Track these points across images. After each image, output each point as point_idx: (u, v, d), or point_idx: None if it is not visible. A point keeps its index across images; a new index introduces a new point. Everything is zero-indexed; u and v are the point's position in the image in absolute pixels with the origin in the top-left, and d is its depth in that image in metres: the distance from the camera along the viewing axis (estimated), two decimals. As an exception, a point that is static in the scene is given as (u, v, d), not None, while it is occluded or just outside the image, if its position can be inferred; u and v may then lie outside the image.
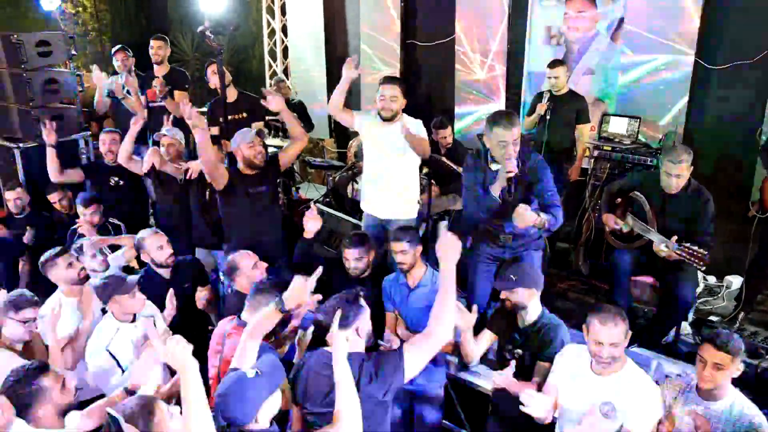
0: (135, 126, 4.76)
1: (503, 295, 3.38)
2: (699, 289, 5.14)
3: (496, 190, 3.66)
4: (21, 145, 5.41)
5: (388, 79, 4.35)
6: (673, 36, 5.73)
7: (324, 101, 8.51)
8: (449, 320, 2.65)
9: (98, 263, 4.01)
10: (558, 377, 3.07)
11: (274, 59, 9.21)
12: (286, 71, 9.19)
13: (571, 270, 5.60)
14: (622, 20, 6.07)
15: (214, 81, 5.53)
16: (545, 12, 6.55)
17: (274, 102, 4.13)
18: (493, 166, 3.76)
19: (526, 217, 3.44)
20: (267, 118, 6.61)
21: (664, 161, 3.98)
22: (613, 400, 2.69)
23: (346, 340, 2.57)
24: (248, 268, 3.72)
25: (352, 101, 8.01)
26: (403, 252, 3.78)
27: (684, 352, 4.25)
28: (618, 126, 5.53)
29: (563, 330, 3.35)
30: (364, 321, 2.72)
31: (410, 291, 3.87)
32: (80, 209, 4.57)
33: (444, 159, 4.98)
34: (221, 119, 5.24)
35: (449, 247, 2.69)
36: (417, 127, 4.29)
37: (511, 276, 3.31)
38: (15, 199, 4.98)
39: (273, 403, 2.35)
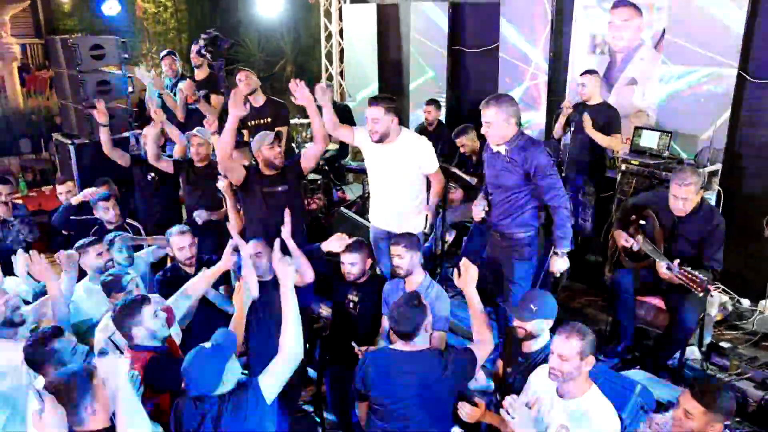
0: (153, 129, 5.10)
1: (517, 323, 3.25)
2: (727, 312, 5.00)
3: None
4: (76, 141, 5.86)
5: (371, 100, 4.23)
6: (716, 47, 5.53)
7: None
8: (489, 335, 3.28)
9: (124, 258, 4.34)
10: (526, 395, 3.10)
11: (331, 62, 9.46)
12: (341, 74, 9.43)
13: (593, 284, 5.53)
14: (665, 31, 5.90)
15: (241, 86, 5.78)
16: (589, 20, 6.44)
17: (299, 94, 4.13)
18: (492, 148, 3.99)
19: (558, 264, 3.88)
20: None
21: (671, 184, 3.91)
22: (569, 425, 2.72)
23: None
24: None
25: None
26: (399, 256, 3.84)
27: (690, 378, 4.16)
28: (650, 140, 5.40)
29: None
30: (428, 319, 3.14)
31: (408, 298, 3.99)
32: (99, 203, 4.89)
33: (453, 168, 5.00)
34: (247, 123, 5.60)
35: (465, 273, 3.25)
36: (417, 147, 4.29)
37: (532, 306, 3.17)
38: (66, 192, 5.39)
39: (233, 368, 2.69)
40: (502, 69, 7.20)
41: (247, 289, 3.44)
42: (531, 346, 3.31)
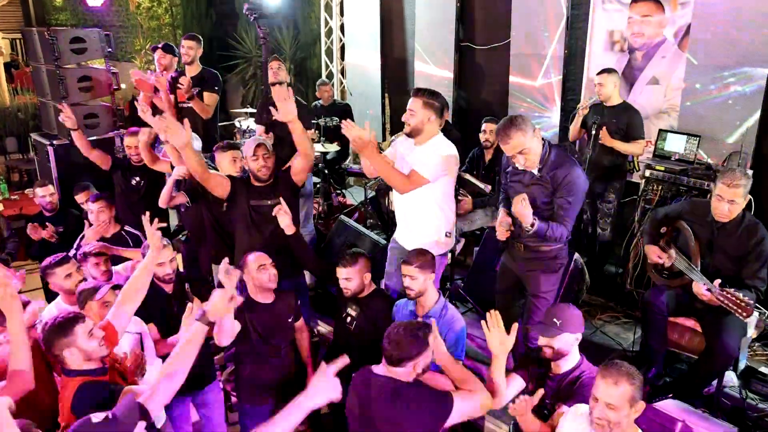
0: (143, 136, 4.74)
1: (542, 341, 2.97)
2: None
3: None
4: (54, 141, 5.45)
5: (414, 91, 3.76)
6: (745, 45, 5.15)
7: (378, 102, 8.33)
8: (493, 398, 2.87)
9: (101, 272, 3.94)
10: None
11: (331, 59, 9.06)
12: (342, 71, 9.04)
13: (612, 297, 5.15)
14: (689, 27, 5.53)
15: (273, 76, 5.37)
16: (607, 15, 6.06)
17: (282, 110, 3.74)
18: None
19: (520, 205, 3.33)
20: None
21: (718, 184, 3.54)
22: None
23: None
24: (254, 268, 3.60)
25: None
26: (411, 277, 3.49)
27: (728, 407, 3.79)
28: (675, 144, 5.01)
29: None
30: (424, 359, 2.72)
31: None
32: (89, 206, 4.54)
33: (466, 175, 4.63)
34: (266, 120, 5.16)
35: (498, 337, 2.80)
36: (429, 155, 3.70)
37: (555, 320, 2.93)
38: (44, 196, 5.02)
39: None
40: (514, 67, 6.81)
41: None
42: (561, 367, 3.02)
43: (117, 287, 3.26)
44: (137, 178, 4.99)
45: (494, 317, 2.83)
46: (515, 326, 2.86)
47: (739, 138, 5.24)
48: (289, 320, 3.76)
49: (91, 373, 2.63)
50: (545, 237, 3.44)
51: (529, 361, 3.20)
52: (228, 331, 3.10)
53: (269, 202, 3.96)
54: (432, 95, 3.69)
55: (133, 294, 3.01)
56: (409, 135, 3.76)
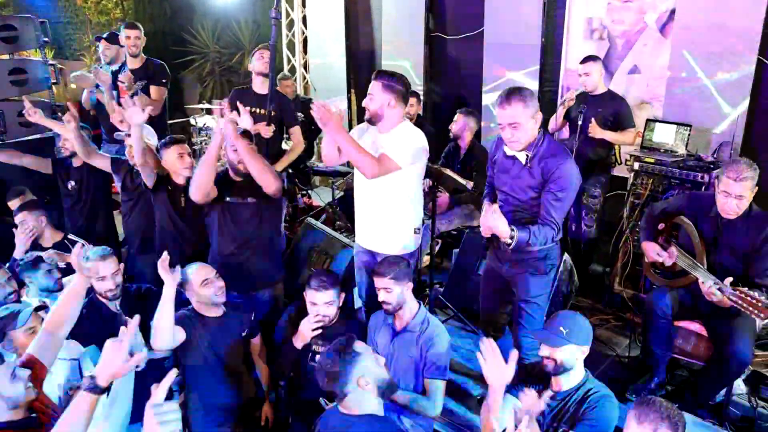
0: (63, 128, 4.22)
1: (544, 352, 2.65)
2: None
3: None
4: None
5: (375, 73, 3.36)
6: (732, 31, 4.90)
7: (344, 98, 7.91)
8: None
9: (53, 281, 3.49)
10: None
11: (293, 53, 8.60)
12: (305, 66, 8.59)
13: (604, 300, 4.83)
14: (673, 12, 5.26)
15: (259, 67, 4.83)
16: (585, 2, 5.79)
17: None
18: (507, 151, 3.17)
19: (490, 218, 2.89)
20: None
21: (722, 178, 3.22)
22: None
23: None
24: (197, 283, 3.17)
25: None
26: (387, 290, 3.11)
27: (737, 417, 3.48)
28: (665, 134, 4.71)
29: (611, 404, 2.62)
30: (364, 369, 2.35)
31: (395, 335, 3.21)
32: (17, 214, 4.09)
33: (447, 171, 4.24)
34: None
35: (496, 368, 2.41)
36: (397, 140, 3.29)
37: (561, 329, 2.61)
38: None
39: None
40: (488, 57, 6.47)
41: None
42: (562, 383, 2.69)
43: (41, 308, 2.79)
44: (72, 182, 4.48)
45: (489, 346, 2.42)
46: (515, 354, 2.48)
47: (727, 128, 4.99)
48: (243, 334, 3.35)
49: (14, 425, 2.13)
50: (528, 245, 3.04)
51: (523, 377, 2.84)
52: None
53: (249, 200, 3.60)
54: (392, 77, 3.28)
55: (59, 324, 2.53)
56: (370, 122, 3.34)
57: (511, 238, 2.93)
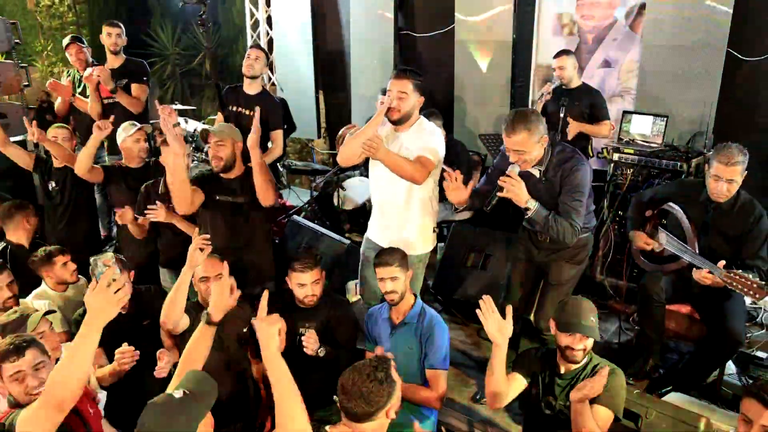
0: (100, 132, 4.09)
1: (578, 342, 2.64)
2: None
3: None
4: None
5: (399, 72, 3.31)
6: (700, 24, 5.03)
7: (312, 98, 7.83)
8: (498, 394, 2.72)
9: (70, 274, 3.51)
10: None
11: (258, 53, 8.48)
12: (271, 67, 8.48)
13: (587, 290, 4.88)
14: (643, 6, 5.39)
15: (244, 68, 4.80)
16: (556, -2, 5.87)
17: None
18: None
19: (509, 182, 2.95)
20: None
21: (713, 162, 3.29)
22: None
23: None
24: (197, 277, 3.13)
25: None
26: (393, 279, 3.08)
27: (729, 396, 3.56)
28: (641, 125, 4.80)
29: (620, 375, 2.72)
30: (396, 401, 2.17)
31: (393, 329, 3.18)
32: None
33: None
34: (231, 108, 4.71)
35: (496, 325, 2.54)
36: (420, 139, 3.31)
37: (592, 318, 2.64)
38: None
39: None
40: (459, 54, 6.49)
41: None
42: (570, 365, 2.74)
43: (49, 312, 2.73)
44: (53, 183, 4.31)
45: (488, 303, 2.52)
46: (510, 309, 2.56)
47: (698, 117, 5.11)
48: (244, 330, 3.25)
49: None
50: (547, 225, 3.06)
51: (530, 360, 2.87)
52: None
53: (241, 200, 3.54)
54: (420, 75, 3.31)
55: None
56: (397, 123, 3.32)
57: (528, 205, 2.99)
